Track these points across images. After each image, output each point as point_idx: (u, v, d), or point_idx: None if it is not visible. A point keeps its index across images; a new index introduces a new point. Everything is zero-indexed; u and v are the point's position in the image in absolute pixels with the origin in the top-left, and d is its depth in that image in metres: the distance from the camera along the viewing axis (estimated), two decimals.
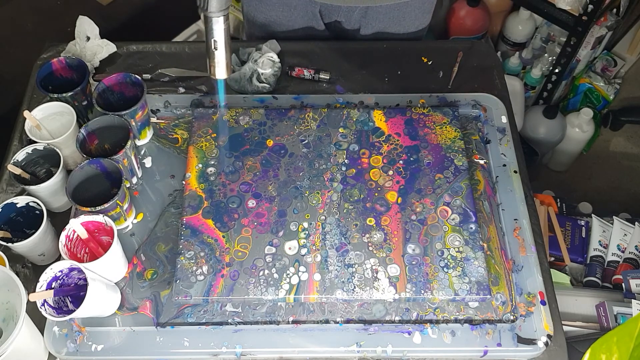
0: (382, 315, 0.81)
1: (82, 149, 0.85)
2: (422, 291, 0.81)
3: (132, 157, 0.88)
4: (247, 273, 0.82)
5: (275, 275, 0.82)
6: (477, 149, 0.96)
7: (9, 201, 0.83)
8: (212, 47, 0.71)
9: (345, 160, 0.92)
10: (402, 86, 1.04)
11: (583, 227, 1.36)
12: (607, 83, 1.81)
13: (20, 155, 0.87)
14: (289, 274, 0.82)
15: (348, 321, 0.81)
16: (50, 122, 0.92)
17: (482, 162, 0.94)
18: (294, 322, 0.81)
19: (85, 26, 1.05)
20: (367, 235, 0.85)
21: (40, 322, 0.80)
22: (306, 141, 0.94)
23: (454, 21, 1.77)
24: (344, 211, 0.87)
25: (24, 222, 0.84)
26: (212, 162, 0.92)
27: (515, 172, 0.94)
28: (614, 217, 1.36)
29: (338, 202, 0.88)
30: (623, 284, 1.20)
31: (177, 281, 0.82)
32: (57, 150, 0.86)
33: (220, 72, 0.75)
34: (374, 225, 0.86)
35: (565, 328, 1.06)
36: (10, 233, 0.83)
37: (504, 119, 0.99)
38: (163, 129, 0.98)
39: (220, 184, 0.90)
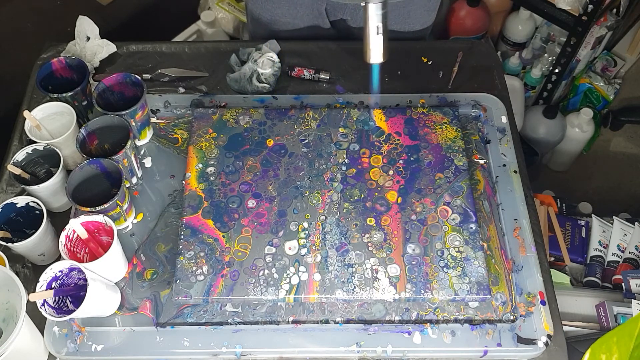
0: (382, 315, 0.81)
1: (82, 149, 0.85)
2: (422, 291, 0.81)
3: (132, 157, 0.88)
4: (247, 273, 0.82)
5: (275, 275, 0.82)
6: (477, 149, 0.96)
7: (9, 201, 0.83)
8: (375, 32, 0.74)
9: (346, 160, 0.92)
10: (402, 86, 1.04)
11: (583, 227, 1.36)
12: (607, 83, 1.81)
13: (20, 155, 0.86)
14: (289, 274, 0.82)
15: (348, 321, 0.81)
16: (50, 122, 0.92)
17: (482, 162, 0.94)
18: (294, 322, 0.81)
19: (85, 26, 1.05)
20: (367, 235, 0.85)
21: (40, 322, 0.80)
22: (306, 141, 0.94)
23: (454, 21, 1.77)
24: (344, 211, 0.87)
25: (24, 222, 0.84)
26: (212, 162, 0.92)
27: (515, 172, 0.94)
28: (614, 217, 1.36)
29: (338, 202, 0.88)
30: (623, 284, 1.20)
31: (177, 281, 0.82)
32: (57, 150, 0.86)
33: (378, 56, 0.77)
34: (374, 225, 0.86)
35: (565, 328, 1.06)
36: (10, 233, 0.83)
37: (504, 119, 0.99)
38: (163, 129, 0.98)
39: (220, 184, 0.90)
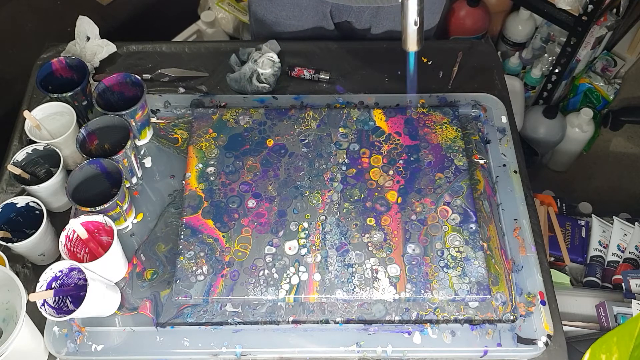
0: (382, 315, 0.81)
1: (82, 149, 0.85)
2: (422, 291, 0.81)
3: (132, 157, 0.88)
4: (247, 273, 0.82)
5: (275, 275, 0.82)
6: (477, 149, 0.96)
7: (9, 201, 0.83)
8: (413, 24, 0.82)
9: (346, 160, 0.92)
10: (402, 86, 1.03)
11: (583, 227, 1.36)
12: (607, 83, 1.81)
13: (20, 155, 0.86)
14: (289, 274, 0.82)
15: (348, 321, 0.81)
16: (50, 122, 0.92)
17: (482, 162, 0.94)
18: (294, 322, 0.81)
19: (85, 26, 1.05)
20: (367, 235, 0.85)
21: (40, 322, 0.80)
22: (306, 141, 0.94)
23: (454, 21, 1.77)
24: (344, 211, 0.87)
25: (24, 222, 0.84)
26: (212, 162, 0.92)
27: (515, 172, 0.94)
28: (614, 217, 1.36)
29: (338, 202, 0.88)
30: (623, 284, 1.20)
31: (177, 281, 0.82)
32: (57, 150, 0.86)
33: (414, 45, 0.85)
34: (374, 225, 0.86)
35: (565, 328, 1.06)
36: (10, 233, 0.83)
37: (504, 119, 0.99)
38: (163, 129, 0.98)
39: (220, 184, 0.90)
